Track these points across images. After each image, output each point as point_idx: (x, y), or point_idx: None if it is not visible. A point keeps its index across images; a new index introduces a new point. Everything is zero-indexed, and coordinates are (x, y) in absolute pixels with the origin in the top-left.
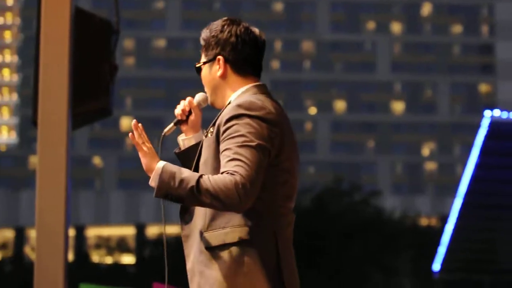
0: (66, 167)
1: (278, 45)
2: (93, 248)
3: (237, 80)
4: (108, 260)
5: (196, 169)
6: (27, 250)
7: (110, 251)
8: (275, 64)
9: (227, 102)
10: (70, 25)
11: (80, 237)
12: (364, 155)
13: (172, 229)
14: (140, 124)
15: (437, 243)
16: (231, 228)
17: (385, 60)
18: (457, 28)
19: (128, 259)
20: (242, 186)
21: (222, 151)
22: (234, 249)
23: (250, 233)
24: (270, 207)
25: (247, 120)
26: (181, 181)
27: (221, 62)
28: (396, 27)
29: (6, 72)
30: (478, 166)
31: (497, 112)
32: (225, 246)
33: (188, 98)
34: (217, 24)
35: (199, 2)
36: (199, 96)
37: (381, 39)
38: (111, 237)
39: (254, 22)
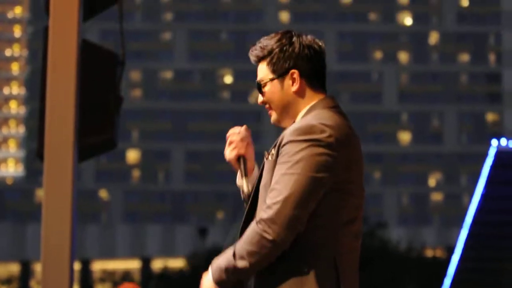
0: (72, 200)
1: None
2: (98, 282)
3: (311, 94)
4: None
5: (257, 192)
6: (33, 284)
7: (115, 285)
8: None
9: (298, 118)
10: (77, 57)
11: (86, 270)
12: (371, 187)
13: (176, 263)
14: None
15: (443, 274)
16: (288, 261)
17: (392, 90)
18: (465, 57)
19: None
20: (269, 227)
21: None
22: (293, 281)
23: (308, 263)
24: (329, 233)
25: (302, 146)
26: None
27: (296, 76)
28: (403, 56)
29: (13, 104)
30: (484, 196)
31: (504, 141)
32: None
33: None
34: (279, 37)
35: (206, 33)
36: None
37: (388, 69)
38: (117, 270)
39: None
